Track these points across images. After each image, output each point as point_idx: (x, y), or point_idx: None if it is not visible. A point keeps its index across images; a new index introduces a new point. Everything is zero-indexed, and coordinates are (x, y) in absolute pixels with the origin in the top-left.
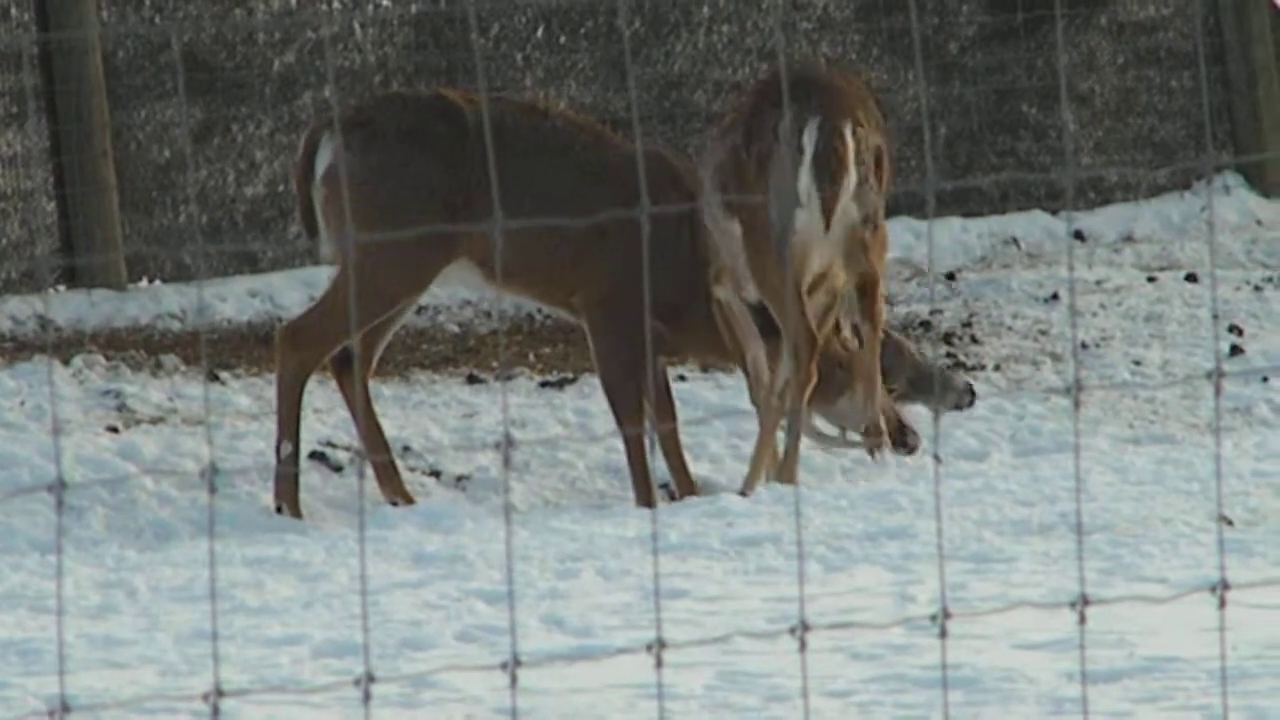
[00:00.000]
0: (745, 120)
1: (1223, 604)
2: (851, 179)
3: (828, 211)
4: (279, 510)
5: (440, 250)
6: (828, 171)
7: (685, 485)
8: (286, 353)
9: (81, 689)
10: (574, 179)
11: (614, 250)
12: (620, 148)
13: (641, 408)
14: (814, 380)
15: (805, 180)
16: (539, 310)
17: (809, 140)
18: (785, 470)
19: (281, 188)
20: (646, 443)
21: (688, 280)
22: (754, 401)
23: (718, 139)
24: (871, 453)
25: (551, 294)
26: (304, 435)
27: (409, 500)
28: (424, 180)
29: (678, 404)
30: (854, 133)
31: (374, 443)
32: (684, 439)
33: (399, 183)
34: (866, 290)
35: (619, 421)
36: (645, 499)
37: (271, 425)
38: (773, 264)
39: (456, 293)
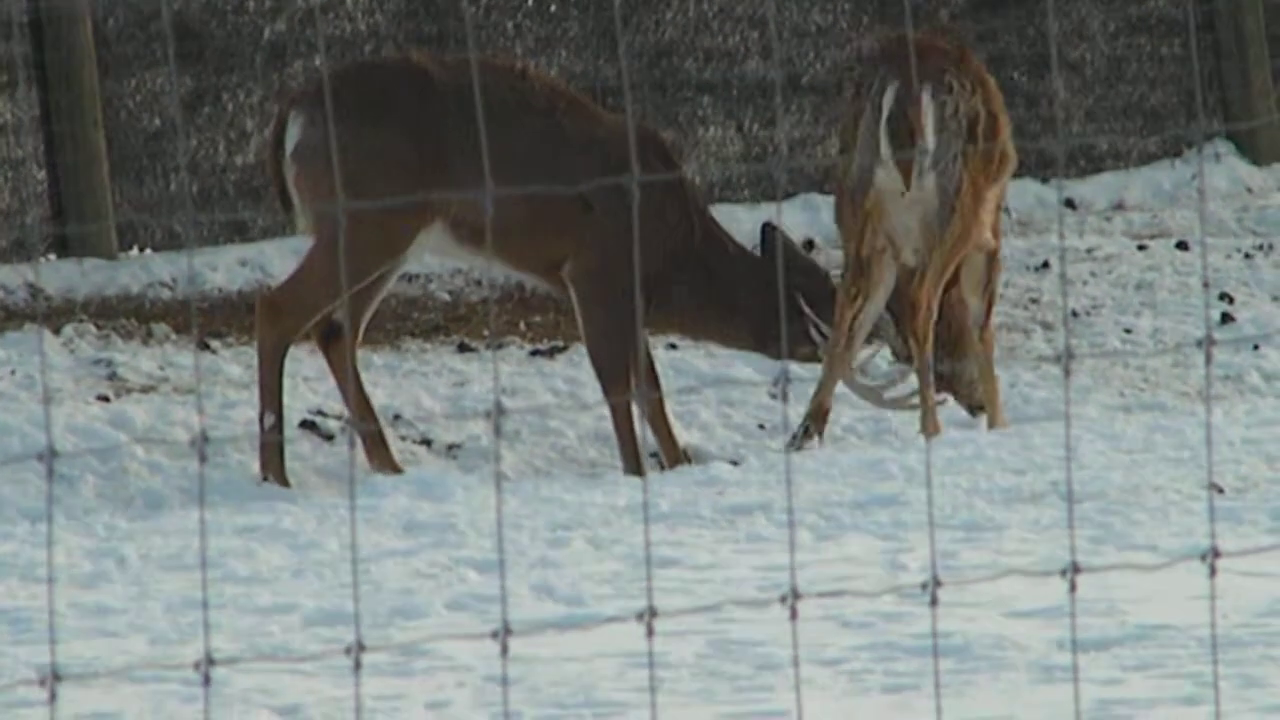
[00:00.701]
0: (856, 81)
1: (1213, 572)
2: (928, 143)
3: (905, 172)
4: (265, 480)
5: (413, 217)
6: (902, 137)
7: (673, 455)
8: (266, 323)
9: (72, 658)
10: (556, 146)
11: (601, 221)
12: (603, 117)
13: (628, 377)
14: (849, 300)
15: (884, 141)
16: None
17: (887, 101)
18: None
19: (268, 164)
20: (635, 411)
21: (672, 252)
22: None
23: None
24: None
25: (531, 262)
26: (295, 404)
27: (397, 470)
28: (390, 151)
29: (670, 373)
30: (934, 97)
31: (363, 413)
32: (675, 408)
33: (365, 152)
34: (911, 306)
35: (605, 391)
36: (634, 467)
37: None
38: (845, 209)
39: (445, 261)
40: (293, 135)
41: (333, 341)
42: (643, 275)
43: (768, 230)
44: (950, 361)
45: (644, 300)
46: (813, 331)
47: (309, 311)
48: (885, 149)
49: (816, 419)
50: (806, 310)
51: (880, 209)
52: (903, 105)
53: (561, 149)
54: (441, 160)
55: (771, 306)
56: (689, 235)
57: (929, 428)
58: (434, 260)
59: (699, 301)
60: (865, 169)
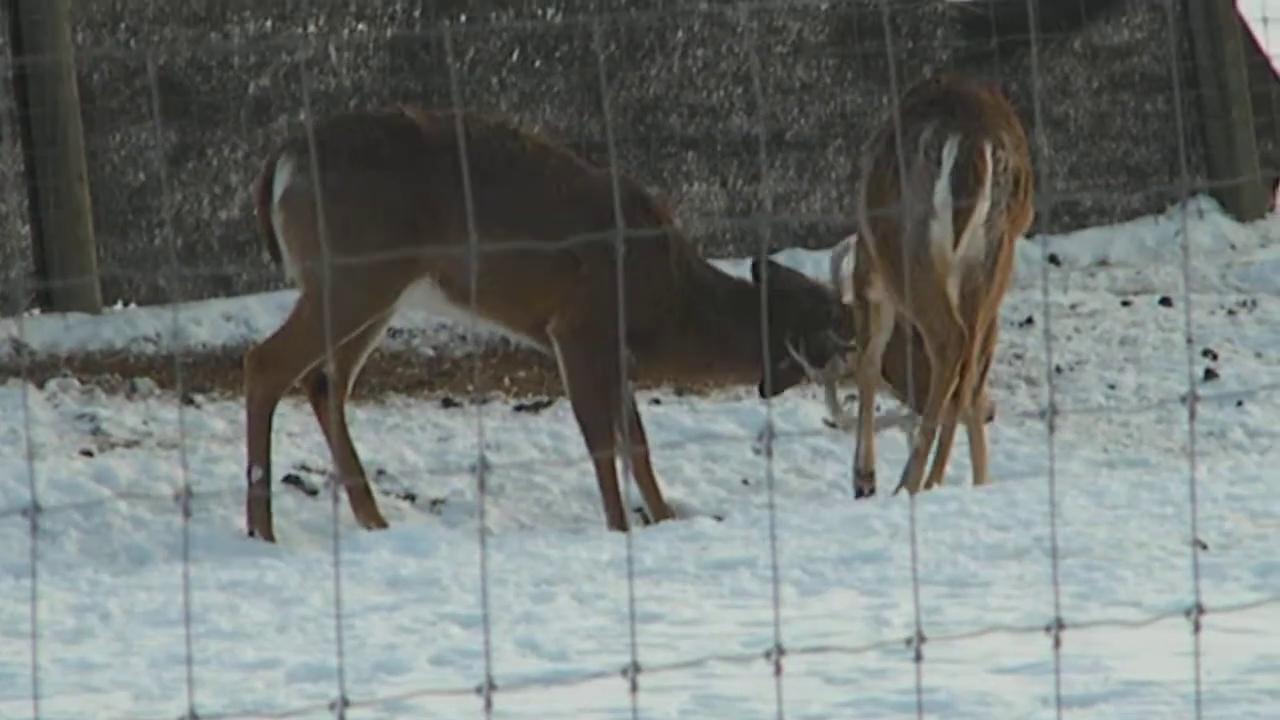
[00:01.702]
0: (890, 131)
1: (1197, 628)
2: (986, 200)
3: (959, 229)
4: (251, 534)
5: (400, 271)
6: (965, 188)
7: (659, 510)
8: (254, 377)
9: (56, 713)
10: (544, 203)
11: (589, 278)
12: (590, 173)
13: (612, 432)
14: (956, 382)
15: (942, 194)
16: None
17: (948, 155)
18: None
19: (256, 211)
20: (619, 467)
21: (662, 306)
22: (856, 376)
23: (868, 151)
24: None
25: (519, 319)
26: (279, 459)
27: (382, 525)
28: (380, 200)
29: (654, 428)
30: (994, 154)
31: (349, 467)
32: (659, 463)
33: (354, 204)
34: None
35: (590, 446)
36: (618, 522)
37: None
38: (910, 271)
39: (432, 317)
40: (281, 181)
41: (323, 395)
42: (630, 330)
43: (757, 266)
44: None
45: (632, 354)
46: (805, 365)
47: (298, 365)
48: (944, 204)
49: (865, 477)
50: (792, 352)
51: (943, 263)
52: (968, 158)
53: (549, 206)
54: (430, 215)
55: (758, 339)
56: (676, 289)
57: (916, 481)
58: (419, 315)
59: (691, 349)
60: (919, 223)
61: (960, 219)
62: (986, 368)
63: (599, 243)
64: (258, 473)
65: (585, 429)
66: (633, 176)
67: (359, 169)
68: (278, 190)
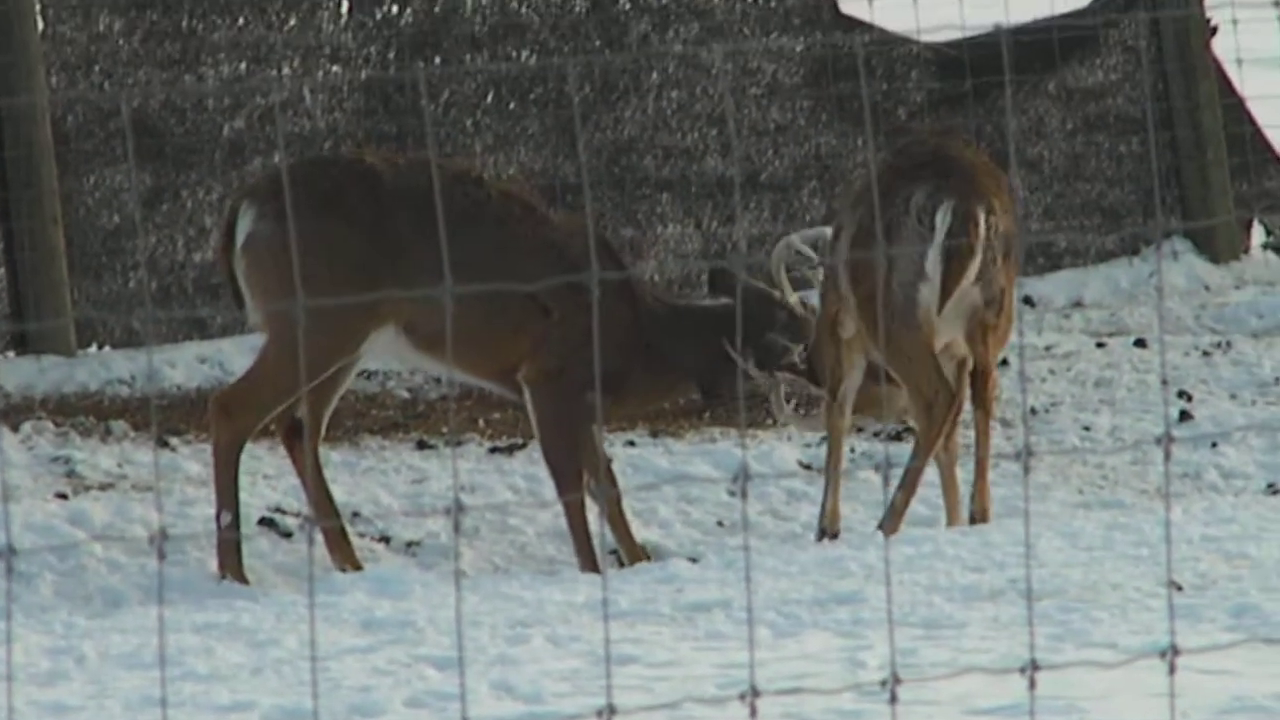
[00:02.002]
0: (880, 188)
1: (1172, 669)
2: (976, 265)
3: (945, 294)
4: (224, 578)
5: (363, 317)
6: (957, 254)
7: (633, 553)
8: (220, 422)
9: None
10: (509, 250)
11: (559, 324)
12: (554, 220)
13: (581, 475)
14: (942, 440)
15: (932, 259)
16: None
17: (941, 221)
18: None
19: (219, 257)
20: (597, 508)
21: (627, 348)
22: (826, 427)
23: (851, 205)
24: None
25: (486, 367)
26: (254, 501)
27: (358, 567)
28: (341, 247)
29: (629, 470)
30: (987, 219)
31: (324, 509)
32: (634, 505)
33: (316, 250)
34: (979, 376)
35: (560, 489)
36: (590, 564)
37: None
38: (896, 332)
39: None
40: (243, 228)
41: (297, 439)
42: (605, 374)
43: (715, 274)
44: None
45: (602, 397)
46: (751, 369)
47: (263, 409)
48: (934, 269)
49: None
50: (736, 356)
51: (930, 324)
52: (962, 225)
53: (515, 254)
54: (391, 261)
55: (710, 353)
56: (640, 330)
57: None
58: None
59: (654, 383)
60: (907, 286)
61: (950, 281)
62: (958, 413)
63: (567, 288)
64: (226, 517)
65: (555, 473)
66: (594, 221)
67: (320, 215)
68: (240, 237)
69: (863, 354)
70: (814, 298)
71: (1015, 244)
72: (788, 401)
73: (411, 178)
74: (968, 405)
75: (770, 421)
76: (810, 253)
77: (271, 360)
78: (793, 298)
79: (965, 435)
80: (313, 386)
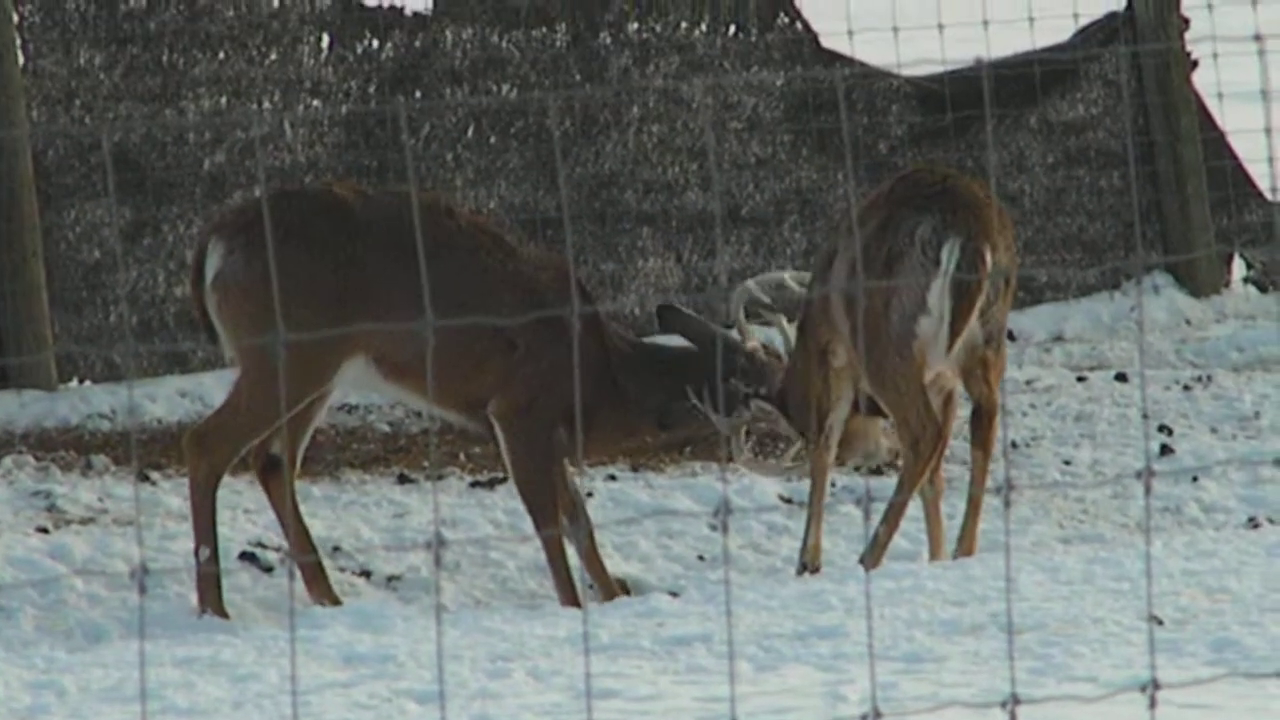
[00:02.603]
0: (881, 217)
1: (1153, 704)
2: (983, 300)
3: (955, 332)
4: (204, 613)
5: (335, 349)
6: (964, 292)
7: (607, 589)
8: (195, 458)
9: None
10: (477, 282)
11: (526, 359)
12: (523, 254)
13: (557, 510)
14: (927, 475)
15: (936, 294)
16: None
17: (947, 256)
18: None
19: (190, 293)
20: (575, 542)
21: (595, 386)
22: (811, 462)
23: (845, 234)
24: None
25: (454, 400)
26: (235, 536)
27: (336, 602)
28: (311, 279)
29: (609, 504)
30: (992, 256)
31: (302, 544)
32: (614, 539)
33: (286, 283)
34: (983, 415)
35: (536, 525)
36: (569, 599)
37: None
38: (889, 362)
39: (370, 396)
40: (212, 264)
41: (272, 473)
42: (568, 408)
43: (663, 311)
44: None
45: (565, 433)
46: (712, 414)
47: (237, 444)
48: (940, 305)
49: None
50: (695, 401)
51: (924, 358)
52: (971, 261)
53: (483, 286)
54: (362, 293)
55: (672, 395)
56: (609, 368)
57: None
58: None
59: (621, 421)
60: (906, 317)
61: (958, 321)
62: (988, 455)
63: (534, 322)
64: (205, 552)
65: (530, 509)
66: (560, 256)
67: (289, 248)
68: (209, 273)
69: (852, 385)
70: (777, 340)
71: (1013, 280)
72: (747, 444)
73: (380, 208)
74: (964, 443)
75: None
76: (766, 299)
77: (245, 394)
78: (753, 342)
79: (949, 469)
80: (285, 421)
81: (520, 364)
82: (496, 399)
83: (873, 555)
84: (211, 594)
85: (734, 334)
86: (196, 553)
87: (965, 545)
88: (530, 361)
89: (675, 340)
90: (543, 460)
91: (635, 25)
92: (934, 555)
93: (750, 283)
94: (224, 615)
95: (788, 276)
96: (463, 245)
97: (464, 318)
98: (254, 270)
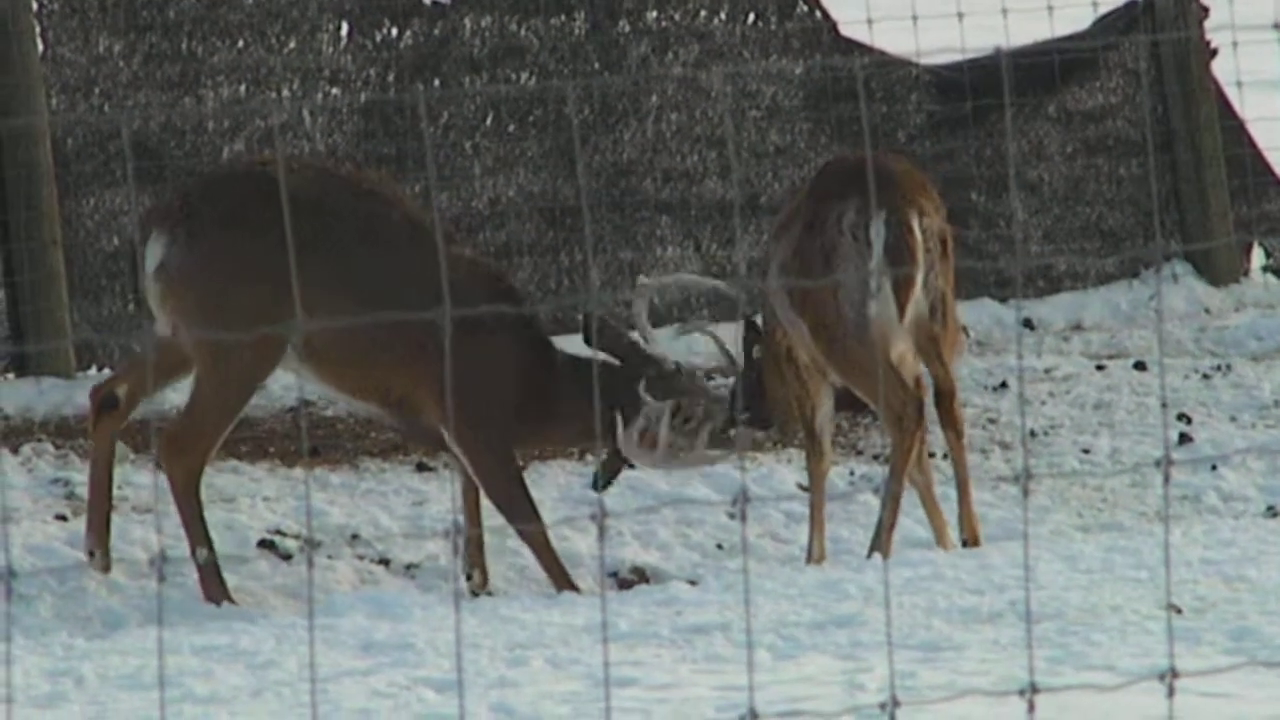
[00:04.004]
0: (806, 215)
1: (1171, 692)
2: (921, 270)
3: (902, 303)
4: (218, 605)
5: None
6: (900, 264)
7: (564, 582)
8: (171, 462)
9: None
10: (402, 274)
11: (438, 358)
12: (451, 251)
13: (531, 503)
14: (916, 450)
15: (877, 274)
16: None
17: (876, 234)
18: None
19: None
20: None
21: (525, 389)
22: (807, 469)
23: (778, 235)
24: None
25: (363, 391)
26: (253, 524)
27: (231, 601)
28: (249, 260)
29: (628, 492)
30: (920, 222)
31: (100, 498)
32: (633, 527)
33: (226, 269)
34: (944, 396)
35: (513, 523)
36: (565, 585)
37: (220, 513)
38: (853, 351)
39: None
40: (154, 255)
41: (107, 413)
42: (502, 406)
43: (589, 320)
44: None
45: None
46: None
47: (211, 437)
48: (880, 283)
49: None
50: (616, 414)
51: (885, 339)
52: (897, 235)
53: (406, 278)
54: (295, 269)
55: (590, 405)
56: (542, 371)
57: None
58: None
59: (557, 426)
60: (856, 304)
61: (902, 292)
62: (959, 434)
63: (455, 325)
64: (202, 553)
65: (503, 509)
66: (486, 258)
67: (227, 232)
68: (150, 264)
69: (828, 381)
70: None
71: (949, 243)
72: (668, 443)
73: (315, 187)
74: (935, 428)
75: (771, 445)
76: (641, 305)
77: (207, 387)
78: (658, 348)
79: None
80: (139, 366)
81: (437, 364)
82: (437, 413)
83: (881, 541)
84: (217, 587)
85: (635, 336)
86: (193, 554)
87: (967, 529)
88: (443, 362)
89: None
90: (502, 464)
91: (654, 13)
92: (940, 544)
93: (648, 281)
94: (231, 601)
95: (686, 276)
96: (401, 235)
97: (382, 306)
98: (196, 258)
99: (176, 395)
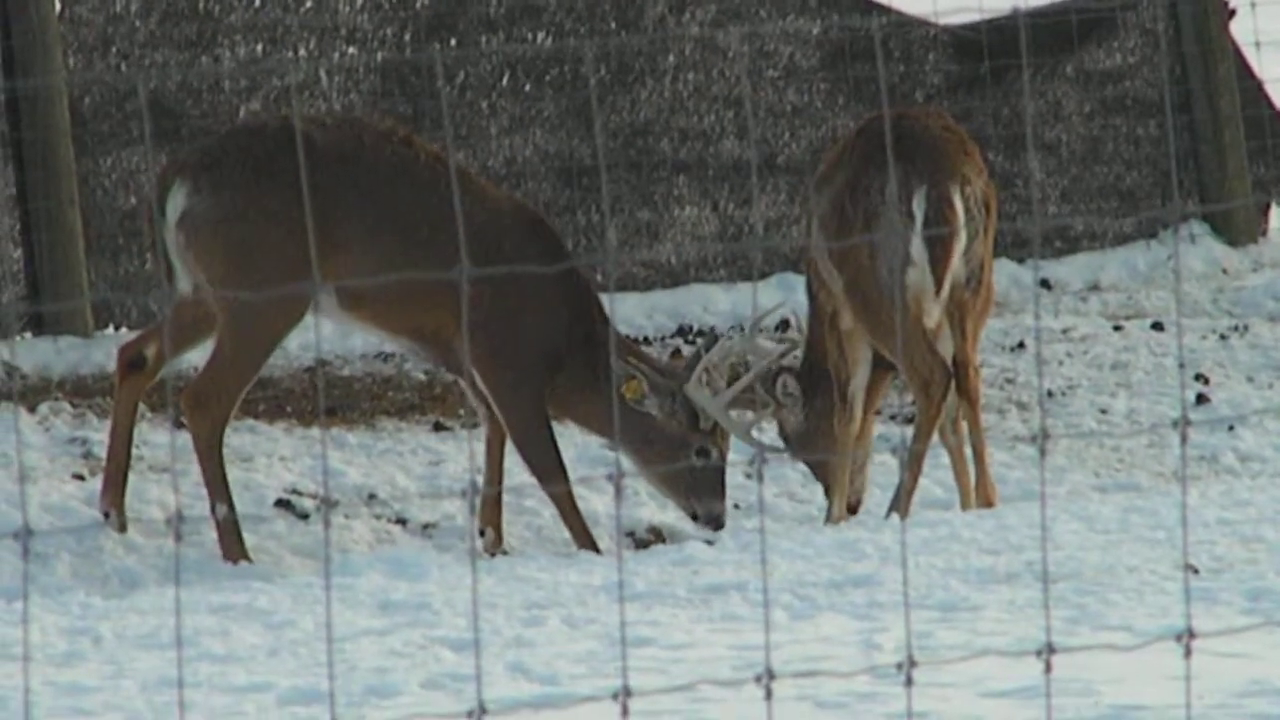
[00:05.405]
0: (849, 174)
1: (1188, 652)
2: (962, 242)
3: (939, 276)
4: (235, 563)
5: (305, 280)
6: (940, 240)
7: (586, 541)
8: (195, 417)
9: None
10: (434, 215)
11: (481, 301)
12: (489, 193)
13: (559, 460)
14: (942, 417)
15: (918, 245)
16: None
17: (918, 207)
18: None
19: (146, 229)
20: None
21: (562, 334)
22: (836, 432)
23: (819, 187)
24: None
25: (403, 326)
26: (270, 483)
27: (249, 560)
28: (277, 212)
29: None
30: (962, 192)
31: (119, 453)
32: (650, 486)
33: (253, 218)
34: (959, 366)
35: (541, 481)
36: (586, 544)
37: (238, 473)
38: (886, 313)
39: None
40: (176, 204)
41: (133, 372)
42: (539, 352)
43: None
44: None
45: (542, 382)
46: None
47: (233, 393)
48: (920, 254)
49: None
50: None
51: (919, 306)
52: (937, 208)
53: (437, 219)
54: (326, 222)
55: (630, 418)
56: (578, 320)
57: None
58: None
59: (588, 385)
60: (896, 272)
61: (940, 265)
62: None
63: (486, 265)
64: (222, 509)
65: (532, 466)
66: (530, 205)
67: (255, 183)
68: (172, 213)
69: (868, 346)
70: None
71: (993, 204)
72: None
73: (340, 138)
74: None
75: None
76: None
77: (228, 342)
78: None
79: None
80: (195, 343)
81: (475, 307)
82: (470, 351)
83: (901, 503)
84: (235, 545)
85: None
86: (213, 509)
87: (983, 494)
88: (488, 304)
89: None
90: (532, 415)
91: None
92: (964, 504)
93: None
94: (249, 559)
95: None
96: (423, 176)
97: (419, 248)
98: (221, 207)
99: (196, 355)
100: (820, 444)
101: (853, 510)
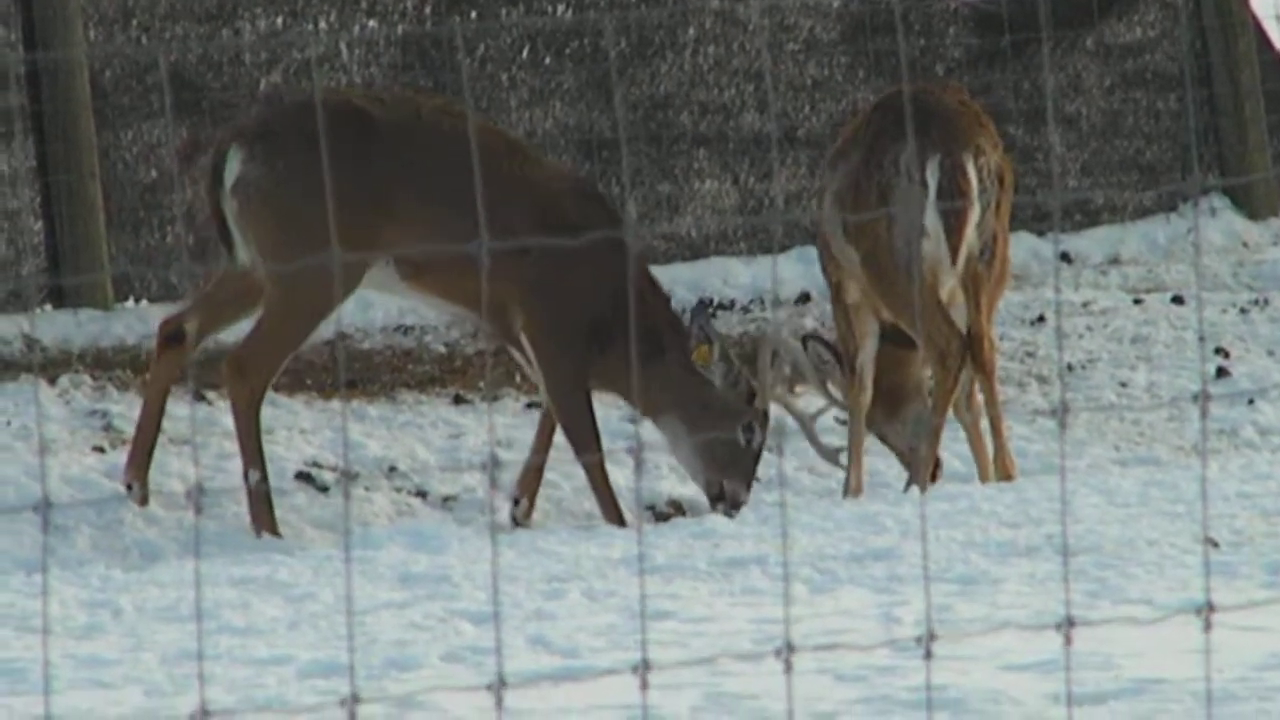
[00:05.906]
0: (864, 149)
1: (1208, 626)
2: (976, 212)
3: (954, 247)
4: (259, 535)
5: (361, 253)
6: (953, 210)
7: (614, 515)
8: (236, 383)
9: (67, 709)
10: (489, 186)
11: (536, 269)
12: (544, 164)
13: (597, 433)
14: (959, 389)
15: (932, 215)
16: None
17: (932, 176)
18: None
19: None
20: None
21: (614, 302)
22: (848, 403)
23: (834, 163)
24: (906, 485)
25: (464, 295)
26: (290, 456)
27: (276, 535)
28: (333, 184)
29: None
30: (976, 163)
31: (148, 427)
32: (671, 460)
33: (307, 188)
34: (973, 339)
35: (576, 450)
36: (615, 518)
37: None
38: (901, 285)
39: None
40: (232, 170)
41: (173, 345)
42: (587, 322)
43: (698, 308)
44: (884, 422)
45: (590, 349)
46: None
47: (275, 362)
48: (934, 225)
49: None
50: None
51: (935, 277)
52: (951, 177)
53: (496, 188)
54: (382, 196)
55: (691, 382)
56: (626, 285)
57: (925, 480)
58: (430, 312)
59: (651, 355)
60: (911, 244)
61: (954, 235)
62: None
63: (547, 232)
64: (254, 476)
65: (568, 433)
66: (582, 174)
67: (310, 155)
68: (228, 179)
69: (875, 318)
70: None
71: (1008, 177)
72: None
73: (396, 113)
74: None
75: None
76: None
77: (276, 310)
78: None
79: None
80: (210, 302)
81: (529, 271)
82: (522, 318)
83: (918, 475)
84: (265, 515)
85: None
86: (246, 476)
87: (1001, 466)
88: (541, 269)
89: None
90: (574, 384)
91: None
92: (982, 478)
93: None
94: (277, 534)
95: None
96: (482, 147)
97: (475, 219)
98: (275, 175)
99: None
100: (878, 415)
101: (933, 479)
